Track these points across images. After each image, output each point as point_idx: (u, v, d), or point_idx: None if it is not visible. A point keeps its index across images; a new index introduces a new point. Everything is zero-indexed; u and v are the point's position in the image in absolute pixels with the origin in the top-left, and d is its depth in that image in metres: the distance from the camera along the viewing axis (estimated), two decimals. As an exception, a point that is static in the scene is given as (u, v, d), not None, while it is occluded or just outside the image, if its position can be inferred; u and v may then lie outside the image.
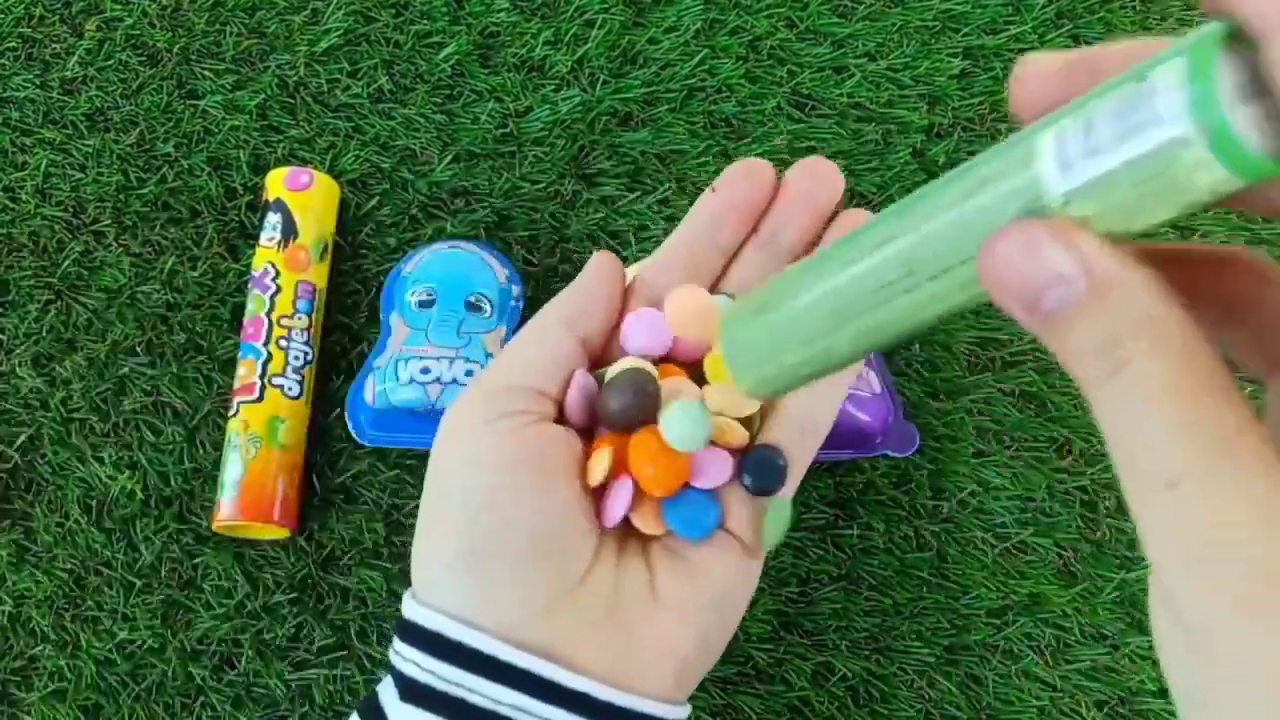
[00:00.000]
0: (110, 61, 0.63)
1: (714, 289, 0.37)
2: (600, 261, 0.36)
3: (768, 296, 0.30)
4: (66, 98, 0.63)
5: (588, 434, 0.35)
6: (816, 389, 0.35)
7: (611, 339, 0.36)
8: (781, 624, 0.54)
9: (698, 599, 0.33)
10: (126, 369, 0.57)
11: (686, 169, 0.61)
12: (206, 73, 0.63)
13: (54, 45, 0.64)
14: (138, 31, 0.64)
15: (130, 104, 0.62)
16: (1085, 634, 0.54)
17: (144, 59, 0.63)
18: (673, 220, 0.60)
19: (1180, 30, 0.62)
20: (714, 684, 0.53)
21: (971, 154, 0.61)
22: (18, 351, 0.57)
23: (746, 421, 0.35)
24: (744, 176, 0.36)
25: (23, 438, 0.56)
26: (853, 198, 0.61)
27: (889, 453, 0.55)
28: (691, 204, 0.61)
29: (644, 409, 0.33)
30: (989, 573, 0.55)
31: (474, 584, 0.31)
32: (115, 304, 0.58)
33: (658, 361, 0.35)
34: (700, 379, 0.36)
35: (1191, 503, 0.18)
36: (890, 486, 0.56)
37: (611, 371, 0.35)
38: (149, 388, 0.56)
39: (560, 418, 0.34)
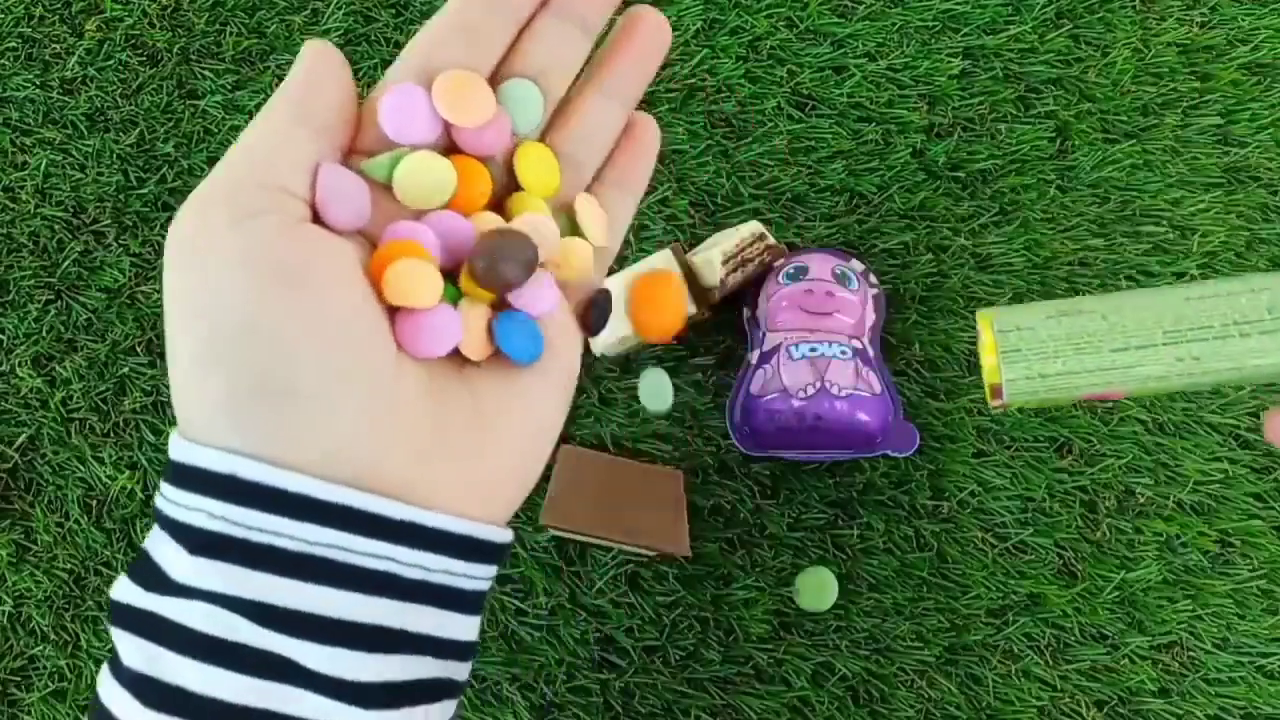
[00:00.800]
0: (110, 61, 0.63)
1: (504, 64, 0.32)
2: (311, 46, 0.30)
3: (1078, 303, 0.34)
4: (66, 98, 0.63)
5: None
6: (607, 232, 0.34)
7: (364, 127, 0.31)
8: (781, 624, 0.54)
9: (522, 425, 0.31)
10: (126, 369, 0.57)
11: (686, 169, 0.61)
12: (206, 73, 0.63)
13: (54, 45, 0.64)
14: (138, 31, 0.64)
15: (130, 104, 0.62)
16: (1085, 634, 0.54)
17: (144, 59, 0.63)
18: (673, 219, 0.61)
19: (1178, 29, 0.62)
20: (714, 684, 0.53)
21: (971, 154, 0.62)
22: (18, 351, 0.57)
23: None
24: None
25: (23, 438, 0.56)
26: (852, 198, 0.61)
27: (890, 453, 0.55)
28: (690, 204, 0.61)
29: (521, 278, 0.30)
30: (989, 573, 0.55)
31: (259, 420, 0.26)
32: (115, 304, 0.58)
33: (445, 152, 0.31)
34: (513, 184, 0.32)
35: None
36: (890, 486, 0.56)
37: (390, 167, 0.29)
38: (149, 388, 0.56)
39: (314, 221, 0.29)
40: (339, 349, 0.27)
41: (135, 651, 0.27)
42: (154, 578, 0.28)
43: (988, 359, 0.35)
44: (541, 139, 0.33)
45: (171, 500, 0.28)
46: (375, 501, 0.27)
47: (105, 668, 0.28)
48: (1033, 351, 0.34)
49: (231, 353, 0.26)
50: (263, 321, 0.26)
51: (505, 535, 0.31)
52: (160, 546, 0.28)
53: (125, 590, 0.28)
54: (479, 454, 0.30)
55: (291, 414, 0.27)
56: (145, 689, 0.27)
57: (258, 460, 0.26)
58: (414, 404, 0.29)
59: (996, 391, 0.36)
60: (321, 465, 0.27)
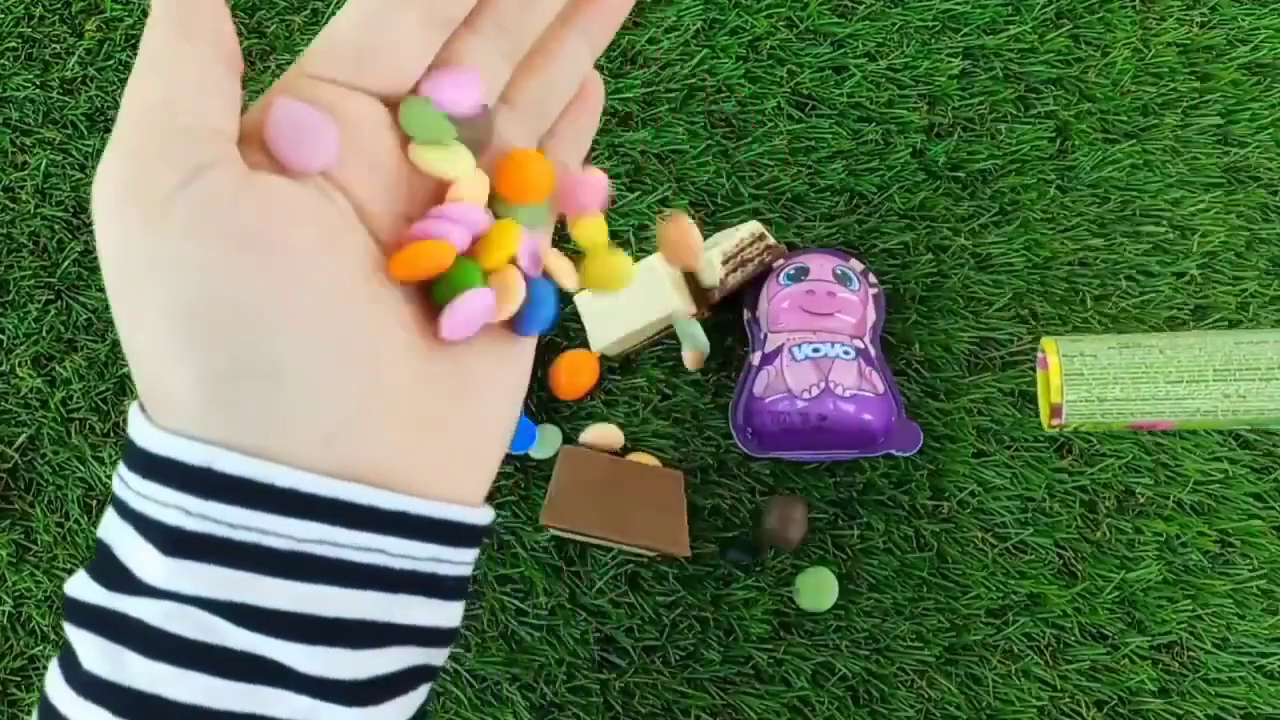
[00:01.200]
0: (110, 61, 0.63)
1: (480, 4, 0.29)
2: None
3: (1139, 337, 0.37)
4: (66, 98, 0.63)
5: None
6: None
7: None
8: (781, 624, 0.54)
9: (501, 388, 0.29)
10: (126, 369, 0.57)
11: (686, 169, 0.61)
12: (206, 73, 0.63)
13: (54, 45, 0.64)
14: (138, 31, 0.64)
15: (130, 104, 0.62)
16: (1085, 634, 0.54)
17: (144, 59, 0.63)
18: (673, 220, 0.61)
19: (1178, 29, 0.62)
20: (714, 684, 0.53)
21: (971, 154, 0.62)
22: (18, 351, 0.57)
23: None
24: None
25: (23, 438, 0.56)
26: (852, 198, 0.61)
27: (893, 452, 0.55)
28: (690, 203, 0.61)
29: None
30: (989, 573, 0.55)
31: (238, 407, 0.23)
32: (115, 304, 0.58)
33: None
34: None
35: None
36: (890, 486, 0.56)
37: (440, 130, 0.27)
38: (149, 388, 0.56)
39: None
40: (325, 323, 0.24)
41: (97, 653, 0.24)
42: (119, 577, 0.25)
43: (1052, 380, 0.38)
44: (514, 79, 0.31)
45: (138, 492, 0.24)
46: (368, 493, 0.25)
47: (55, 668, 0.25)
48: (1094, 376, 0.38)
49: (202, 332, 0.23)
50: (233, 294, 0.23)
51: (488, 515, 0.30)
52: (125, 543, 0.25)
53: (84, 587, 0.25)
54: (466, 427, 0.28)
55: (277, 399, 0.24)
56: (110, 695, 0.24)
57: (235, 451, 0.24)
58: (401, 378, 0.26)
59: (1056, 411, 0.39)
60: (308, 455, 0.24)
